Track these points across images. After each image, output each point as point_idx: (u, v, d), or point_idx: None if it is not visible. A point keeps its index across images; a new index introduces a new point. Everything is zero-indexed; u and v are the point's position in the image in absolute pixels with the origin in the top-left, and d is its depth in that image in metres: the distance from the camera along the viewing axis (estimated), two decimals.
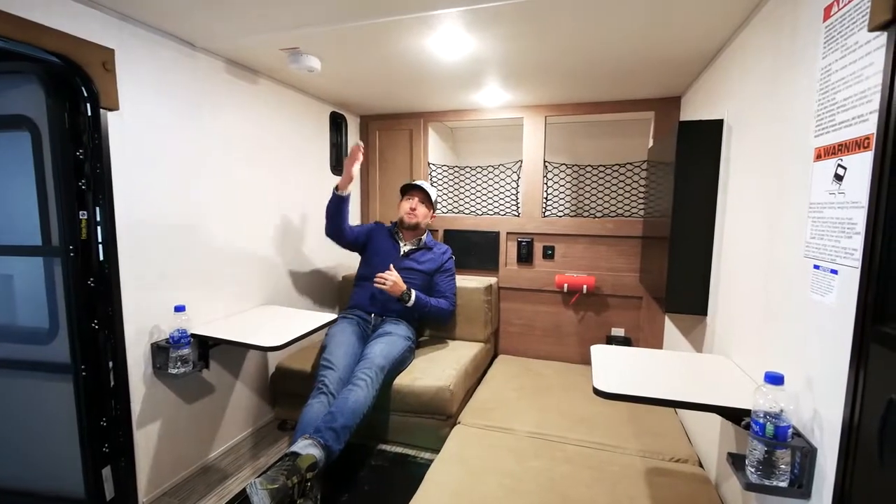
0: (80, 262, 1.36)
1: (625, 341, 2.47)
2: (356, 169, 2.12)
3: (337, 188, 2.13)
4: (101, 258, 1.39)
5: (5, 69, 1.30)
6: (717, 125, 1.54)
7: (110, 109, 1.35)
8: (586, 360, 1.44)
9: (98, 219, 1.37)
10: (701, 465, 1.57)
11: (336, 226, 2.20)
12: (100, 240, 1.38)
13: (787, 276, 1.03)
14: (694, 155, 1.56)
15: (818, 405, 0.88)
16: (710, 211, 1.56)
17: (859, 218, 0.77)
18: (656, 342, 2.34)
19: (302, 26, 1.47)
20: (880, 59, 0.73)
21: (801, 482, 0.90)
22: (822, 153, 0.90)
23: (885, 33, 0.72)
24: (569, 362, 2.54)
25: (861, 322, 0.74)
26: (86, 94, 1.31)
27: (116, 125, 1.38)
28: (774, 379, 0.93)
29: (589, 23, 1.40)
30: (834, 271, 0.84)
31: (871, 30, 0.74)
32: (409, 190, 2.32)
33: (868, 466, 0.72)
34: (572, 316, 2.56)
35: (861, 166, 0.77)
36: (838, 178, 0.85)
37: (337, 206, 2.15)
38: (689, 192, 1.58)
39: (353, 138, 2.76)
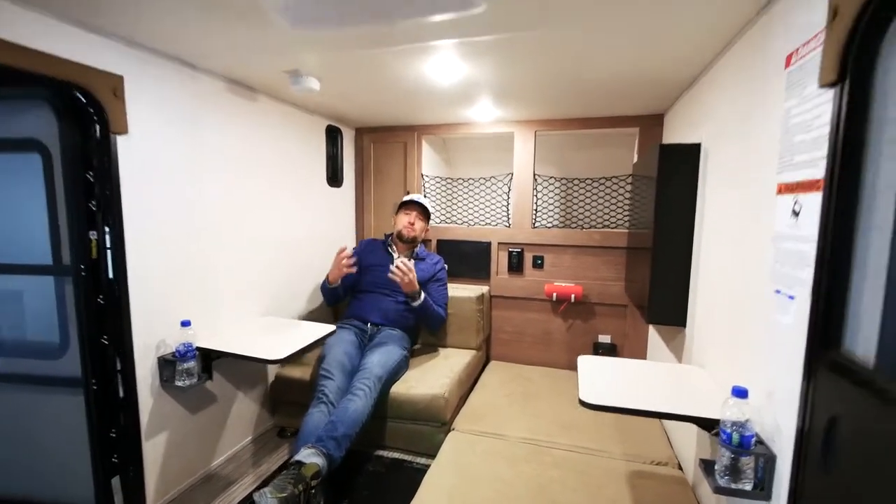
0: (91, 280, 1.42)
1: (611, 348, 2.57)
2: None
3: (328, 281, 2.25)
4: (111, 276, 1.45)
5: (18, 95, 1.36)
6: (695, 148, 1.64)
7: (120, 133, 1.41)
8: (574, 366, 1.53)
9: (107, 238, 1.43)
10: (680, 468, 1.68)
11: (335, 301, 2.37)
12: (109, 258, 1.44)
13: (753, 295, 1.12)
14: (674, 176, 1.66)
15: (777, 417, 0.97)
16: (688, 228, 1.66)
17: (811, 252, 0.86)
18: (641, 348, 2.44)
19: (304, 53, 1.54)
20: (829, 112, 0.83)
21: (763, 485, 1.00)
22: (783, 189, 1.00)
23: (833, 90, 0.82)
24: (558, 368, 2.64)
25: (811, 346, 0.84)
26: (96, 120, 1.37)
27: (125, 148, 1.44)
28: (740, 392, 1.03)
29: (577, 53, 1.50)
30: (791, 297, 0.94)
31: (820, 87, 0.84)
32: (408, 205, 2.40)
33: (816, 472, 0.82)
34: (561, 323, 2.66)
35: (813, 206, 0.87)
36: (795, 213, 0.94)
37: (332, 293, 2.29)
38: (669, 211, 1.68)
39: (348, 150, 2.83)
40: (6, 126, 1.39)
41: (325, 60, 1.61)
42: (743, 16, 1.20)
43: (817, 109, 0.87)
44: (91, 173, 1.39)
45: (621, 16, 1.20)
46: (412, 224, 2.37)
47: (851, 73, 0.75)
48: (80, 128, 1.37)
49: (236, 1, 1.14)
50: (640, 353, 2.45)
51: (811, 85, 0.89)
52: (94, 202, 1.41)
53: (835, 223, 0.79)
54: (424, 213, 2.42)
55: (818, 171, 0.85)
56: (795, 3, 0.98)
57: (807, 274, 0.87)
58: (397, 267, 2.10)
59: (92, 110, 1.35)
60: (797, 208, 0.94)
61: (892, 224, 0.69)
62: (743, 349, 1.18)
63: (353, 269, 2.20)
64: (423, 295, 2.18)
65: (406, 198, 2.47)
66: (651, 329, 2.30)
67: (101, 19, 1.27)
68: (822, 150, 0.84)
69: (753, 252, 1.14)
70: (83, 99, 1.33)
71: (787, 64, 1.01)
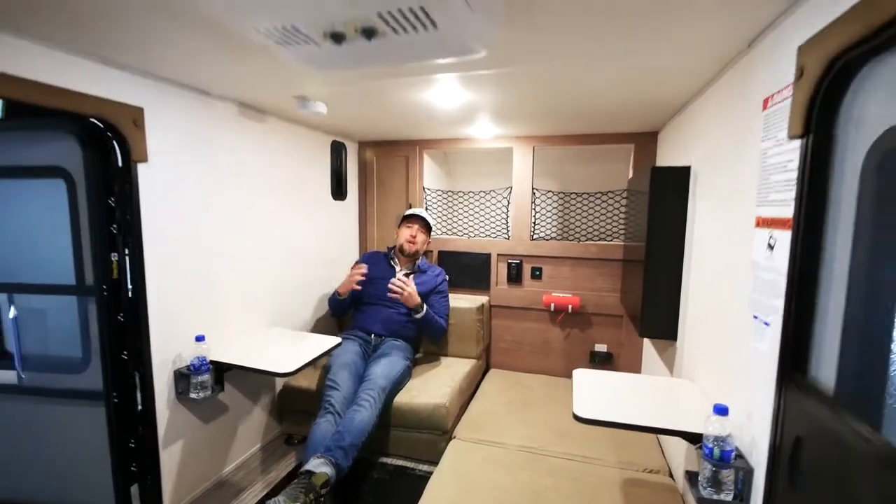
0: (112, 299, 1.50)
1: (607, 357, 2.66)
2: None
3: (339, 293, 2.35)
4: (130, 295, 1.53)
5: (46, 125, 1.44)
6: (685, 171, 1.72)
7: (140, 161, 1.49)
8: (571, 374, 1.62)
9: (128, 260, 1.51)
10: (671, 476, 1.76)
11: (342, 313, 2.49)
12: (129, 279, 1.52)
13: (736, 317, 1.20)
14: (665, 197, 1.74)
15: (755, 433, 1.06)
16: (679, 247, 1.74)
17: (783, 284, 0.95)
18: (636, 358, 2.53)
19: (312, 84, 1.62)
20: (797, 160, 0.91)
21: (743, 497, 1.08)
22: (760, 222, 1.08)
23: (800, 141, 0.90)
24: (556, 376, 2.72)
25: (781, 371, 0.92)
26: (119, 149, 1.45)
27: (145, 174, 1.52)
28: (721, 410, 1.12)
29: (573, 83, 1.58)
30: (766, 324, 1.02)
31: (789, 137, 0.92)
32: (410, 218, 2.49)
33: (785, 487, 0.90)
34: (559, 333, 2.74)
35: (785, 242, 0.95)
36: (770, 247, 1.03)
37: (340, 304, 2.40)
38: (661, 230, 1.76)
39: (352, 163, 2.91)
40: (33, 154, 1.47)
41: (332, 89, 1.70)
42: (727, 55, 1.28)
43: (789, 154, 0.95)
44: (113, 199, 1.48)
45: (614, 53, 1.28)
46: (414, 237, 2.46)
47: (815, 128, 0.83)
48: (102, 156, 1.45)
49: (249, 40, 1.22)
50: (635, 362, 2.53)
51: (783, 131, 0.97)
52: (115, 226, 1.49)
53: (801, 262, 0.88)
54: (426, 227, 2.51)
55: (789, 211, 0.93)
56: (771, 53, 1.06)
57: (780, 303, 0.95)
58: (394, 284, 2.19)
59: (115, 140, 1.43)
60: (772, 242, 1.02)
61: (847, 269, 0.77)
62: (727, 367, 1.26)
63: (360, 287, 2.30)
64: (424, 307, 2.26)
65: (408, 212, 2.55)
66: (645, 340, 2.39)
67: (124, 56, 1.35)
68: (793, 193, 0.92)
69: (736, 276, 1.22)
70: (106, 130, 1.41)
71: (765, 106, 1.09)
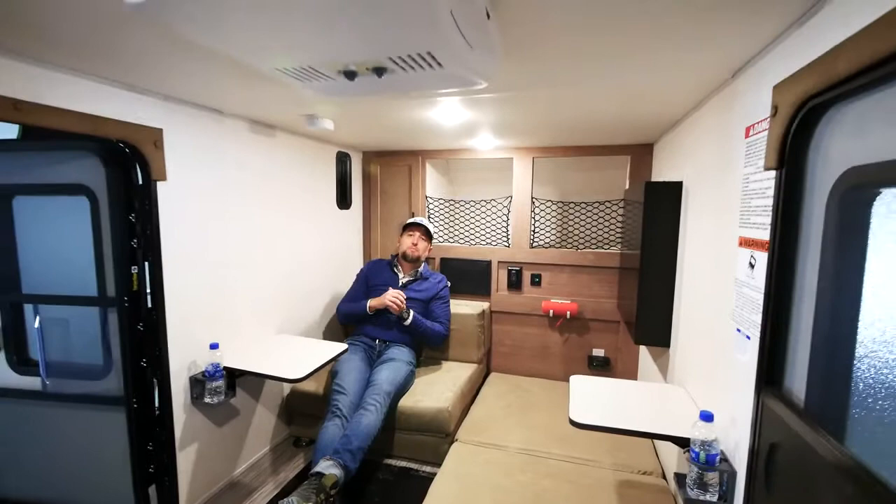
0: (132, 309, 1.59)
1: (605, 361, 2.74)
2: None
3: (369, 308, 2.41)
4: (150, 306, 1.61)
5: (71, 146, 1.52)
6: (677, 186, 1.80)
7: (160, 180, 1.57)
8: (569, 377, 1.71)
9: (147, 272, 1.60)
10: (664, 477, 1.84)
11: (355, 323, 2.55)
12: (148, 290, 1.61)
13: (722, 329, 1.28)
14: (658, 210, 1.82)
15: (738, 438, 1.13)
16: (671, 258, 1.82)
17: (761, 301, 1.02)
18: (633, 362, 2.61)
19: (320, 105, 1.70)
20: (773, 189, 0.99)
21: (727, 497, 1.16)
22: (743, 242, 1.16)
23: (775, 172, 0.98)
24: (554, 379, 2.80)
25: (759, 381, 1.00)
26: (139, 169, 1.53)
27: (164, 192, 1.60)
28: (706, 416, 1.20)
29: (570, 104, 1.66)
30: (748, 337, 1.10)
31: (765, 169, 1.00)
32: (411, 226, 2.57)
33: (762, 490, 0.98)
34: (557, 337, 2.82)
35: (763, 263, 1.03)
36: (751, 265, 1.11)
37: (360, 317, 2.45)
38: (654, 241, 1.84)
39: (356, 173, 2.99)
40: (58, 172, 1.55)
41: (339, 109, 1.78)
42: (713, 83, 1.36)
43: (767, 182, 1.03)
44: (133, 215, 1.56)
45: (605, 80, 1.36)
46: (415, 245, 2.54)
47: (788, 162, 0.91)
48: (123, 175, 1.53)
49: (261, 71, 1.30)
50: (632, 366, 2.61)
51: (762, 160, 1.05)
52: (135, 241, 1.57)
53: (776, 282, 0.95)
54: (427, 234, 2.59)
55: (767, 234, 1.01)
56: (752, 86, 1.14)
57: (759, 319, 1.03)
58: (391, 297, 2.29)
59: (136, 160, 1.52)
60: (753, 261, 1.10)
61: (815, 291, 0.85)
62: (714, 375, 1.34)
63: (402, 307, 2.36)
64: (412, 313, 2.35)
65: (410, 220, 2.64)
66: (642, 345, 2.46)
67: (146, 82, 1.44)
68: (770, 218, 1.00)
69: (722, 291, 1.30)
70: (128, 151, 1.50)
71: (747, 134, 1.17)
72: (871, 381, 0.78)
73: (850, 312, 0.80)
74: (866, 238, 0.77)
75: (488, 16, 0.88)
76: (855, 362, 0.80)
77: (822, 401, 0.85)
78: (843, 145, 0.80)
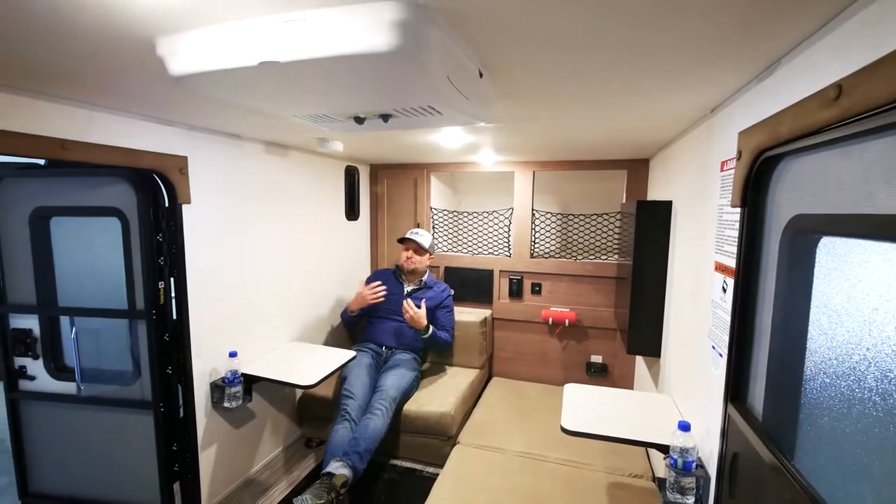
0: (159, 321, 1.73)
1: (602, 368, 2.84)
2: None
3: (350, 310, 2.57)
4: (175, 318, 1.76)
5: (105, 173, 1.66)
6: (667, 205, 1.91)
7: (185, 203, 1.71)
8: (568, 382, 1.83)
9: (173, 287, 1.74)
10: (654, 479, 1.94)
11: (353, 326, 2.72)
12: (174, 304, 1.75)
13: (700, 346, 1.39)
14: (649, 227, 1.93)
15: (711, 446, 1.24)
16: (661, 274, 1.92)
17: (729, 322, 1.13)
18: (629, 368, 2.71)
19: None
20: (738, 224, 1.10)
21: (702, 501, 1.27)
22: (717, 267, 1.27)
23: (740, 210, 1.08)
24: (553, 384, 2.91)
25: (726, 396, 1.11)
26: (166, 193, 1.67)
27: (187, 213, 1.74)
28: (684, 427, 1.31)
29: (567, 130, 1.78)
30: (721, 354, 1.21)
31: (731, 206, 1.11)
32: (404, 241, 2.69)
33: (727, 494, 1.09)
34: (557, 344, 2.93)
35: (731, 288, 1.14)
36: (723, 289, 1.21)
37: (351, 320, 2.63)
38: (645, 257, 1.94)
39: (364, 185, 3.12)
40: (92, 196, 1.70)
41: (348, 134, 1.91)
42: (694, 116, 1.47)
43: (735, 215, 1.13)
44: (160, 235, 1.70)
45: (598, 115, 1.48)
46: (410, 258, 2.66)
47: (749, 202, 1.02)
48: (152, 199, 1.67)
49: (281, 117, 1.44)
50: (628, 373, 2.72)
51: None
52: (162, 259, 1.72)
53: (741, 306, 1.06)
54: (419, 248, 2.68)
55: (734, 262, 1.12)
56: (726, 125, 1.24)
57: (727, 338, 1.14)
58: (408, 308, 2.41)
59: (163, 186, 1.66)
60: (725, 286, 1.21)
61: (771, 317, 0.96)
62: (694, 387, 1.45)
63: (380, 298, 2.51)
64: (430, 329, 2.47)
65: (403, 235, 2.75)
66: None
67: (173, 115, 1.57)
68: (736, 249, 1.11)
69: (702, 310, 1.41)
70: (156, 178, 1.64)
71: (721, 168, 1.27)
72: (816, 400, 0.88)
73: (800, 339, 0.91)
74: (812, 273, 0.88)
75: (481, 75, 1.00)
76: (803, 383, 0.91)
77: (776, 416, 0.96)
78: (790, 194, 0.90)
